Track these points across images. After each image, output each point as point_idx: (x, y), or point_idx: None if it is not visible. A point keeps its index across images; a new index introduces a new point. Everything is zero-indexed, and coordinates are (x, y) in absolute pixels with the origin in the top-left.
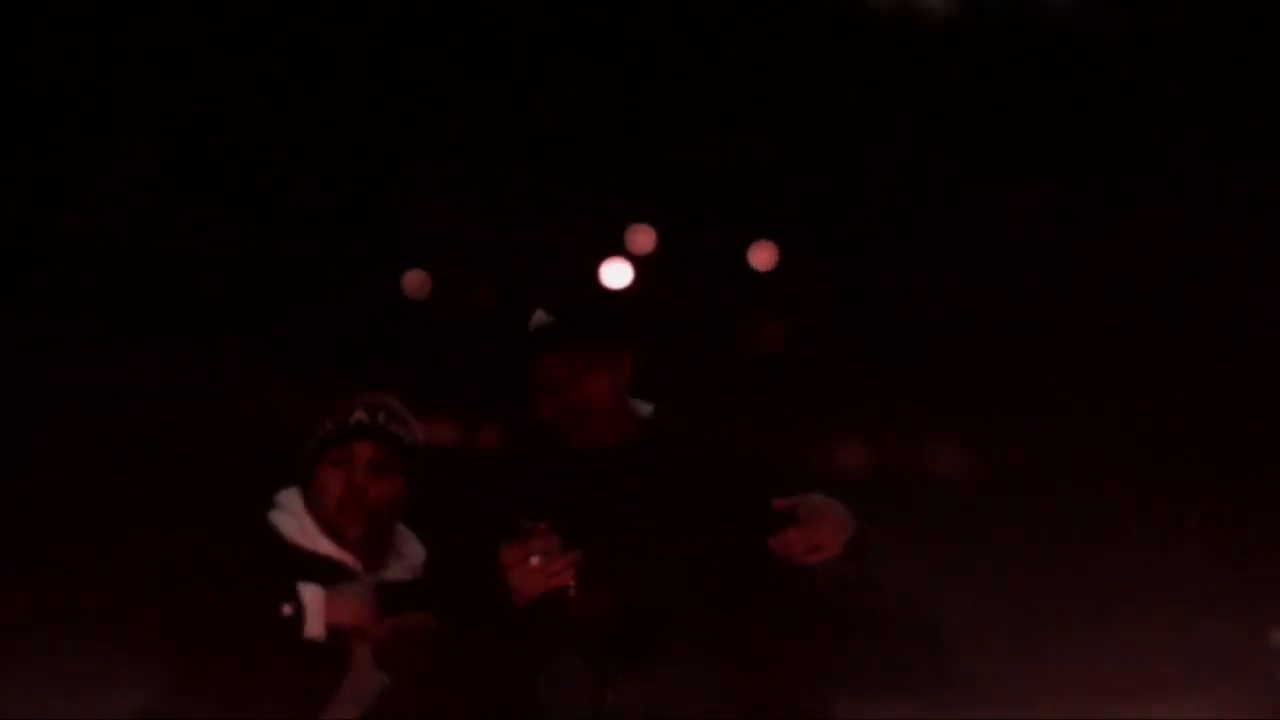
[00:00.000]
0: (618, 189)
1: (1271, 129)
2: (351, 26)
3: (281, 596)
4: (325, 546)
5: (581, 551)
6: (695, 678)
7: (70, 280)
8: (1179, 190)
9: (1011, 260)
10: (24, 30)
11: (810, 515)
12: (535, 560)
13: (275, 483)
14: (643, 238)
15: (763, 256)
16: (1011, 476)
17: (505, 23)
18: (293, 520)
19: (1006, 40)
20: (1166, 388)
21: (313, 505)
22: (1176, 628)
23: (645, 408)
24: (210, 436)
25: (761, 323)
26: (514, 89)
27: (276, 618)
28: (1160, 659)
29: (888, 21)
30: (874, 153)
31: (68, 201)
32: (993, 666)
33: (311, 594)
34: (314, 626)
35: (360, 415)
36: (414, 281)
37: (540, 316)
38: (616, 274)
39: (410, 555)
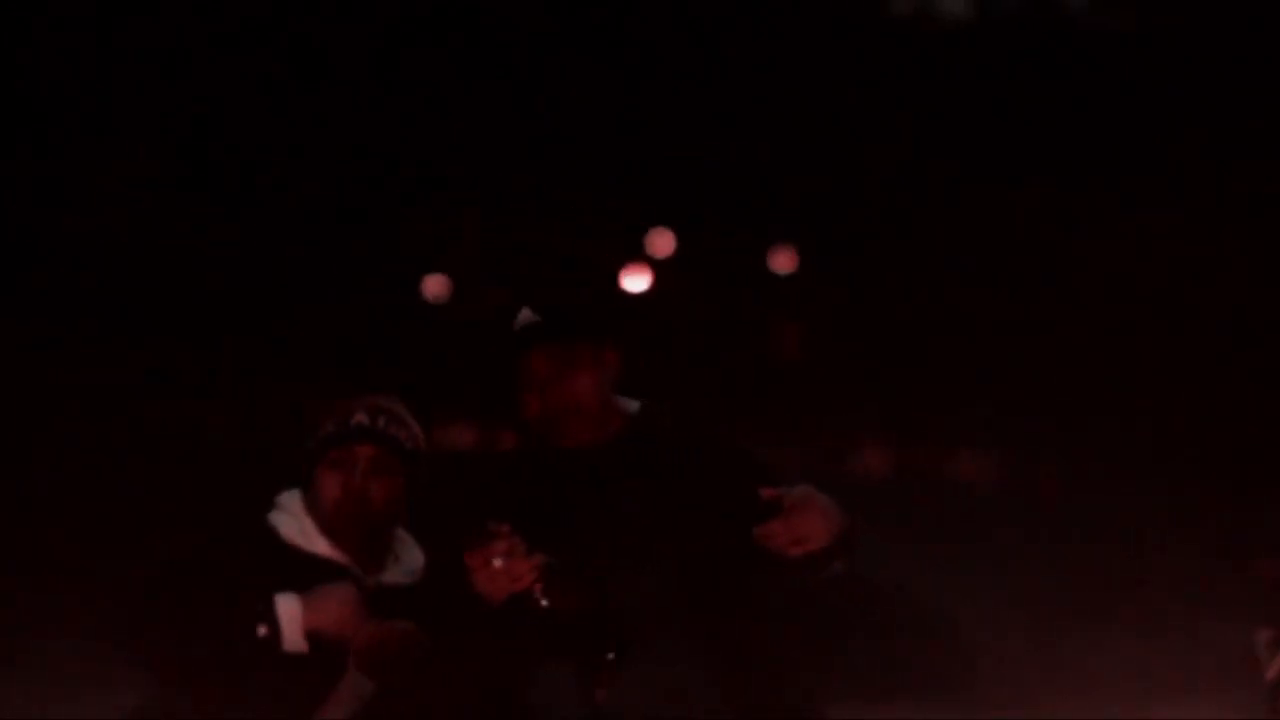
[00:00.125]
0: (637, 193)
1: (1271, 129)
2: (351, 26)
3: (260, 612)
4: (323, 548)
5: (567, 553)
6: (686, 676)
7: (70, 280)
8: (1179, 190)
9: (1014, 261)
10: (24, 30)
11: (795, 507)
12: (498, 562)
13: (274, 483)
14: (662, 241)
15: (783, 260)
16: (1015, 479)
17: (527, 26)
18: (292, 521)
19: (1007, 42)
20: (1171, 389)
21: (312, 507)
22: (1180, 629)
23: (632, 404)
24: (210, 436)
25: (780, 326)
26: (535, 92)
27: (251, 638)
28: (1164, 660)
29: (900, 25)
30: (890, 155)
31: (68, 201)
32: (997, 667)
33: (287, 608)
34: (293, 641)
35: (361, 418)
36: (433, 286)
37: (526, 314)
38: (636, 280)
39: (409, 560)
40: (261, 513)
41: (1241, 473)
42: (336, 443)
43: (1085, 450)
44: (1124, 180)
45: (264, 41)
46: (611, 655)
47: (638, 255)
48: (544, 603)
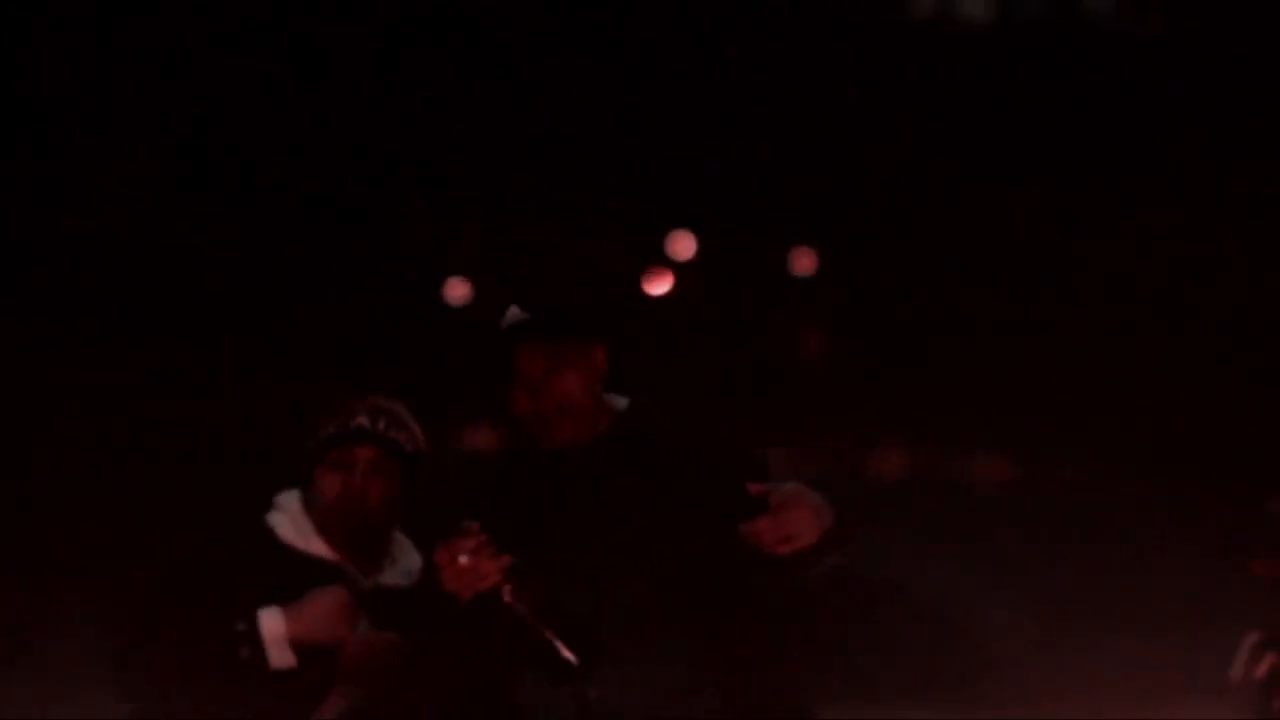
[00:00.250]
0: (659, 196)
1: (1271, 129)
2: (351, 26)
3: (243, 633)
4: (320, 549)
5: (558, 552)
6: (677, 675)
7: (70, 280)
8: (1182, 191)
9: (1020, 263)
10: (24, 30)
11: (783, 504)
12: (464, 559)
13: (275, 483)
14: (683, 244)
15: (802, 262)
16: (1022, 480)
17: (548, 29)
18: (289, 522)
19: (1025, 45)
20: (1173, 390)
21: (311, 507)
22: (1183, 630)
23: (620, 402)
24: (210, 436)
25: (795, 329)
26: (555, 95)
27: (234, 662)
28: (1166, 660)
29: (920, 29)
30: (906, 157)
31: (68, 201)
32: (1003, 666)
33: (270, 625)
34: (280, 658)
35: (362, 420)
36: (455, 289)
37: (514, 312)
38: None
39: (405, 562)
40: (260, 513)
41: (1243, 472)
42: (337, 444)
43: (1089, 451)
44: (1127, 180)
45: (264, 41)
46: (575, 660)
47: (658, 258)
48: (510, 604)
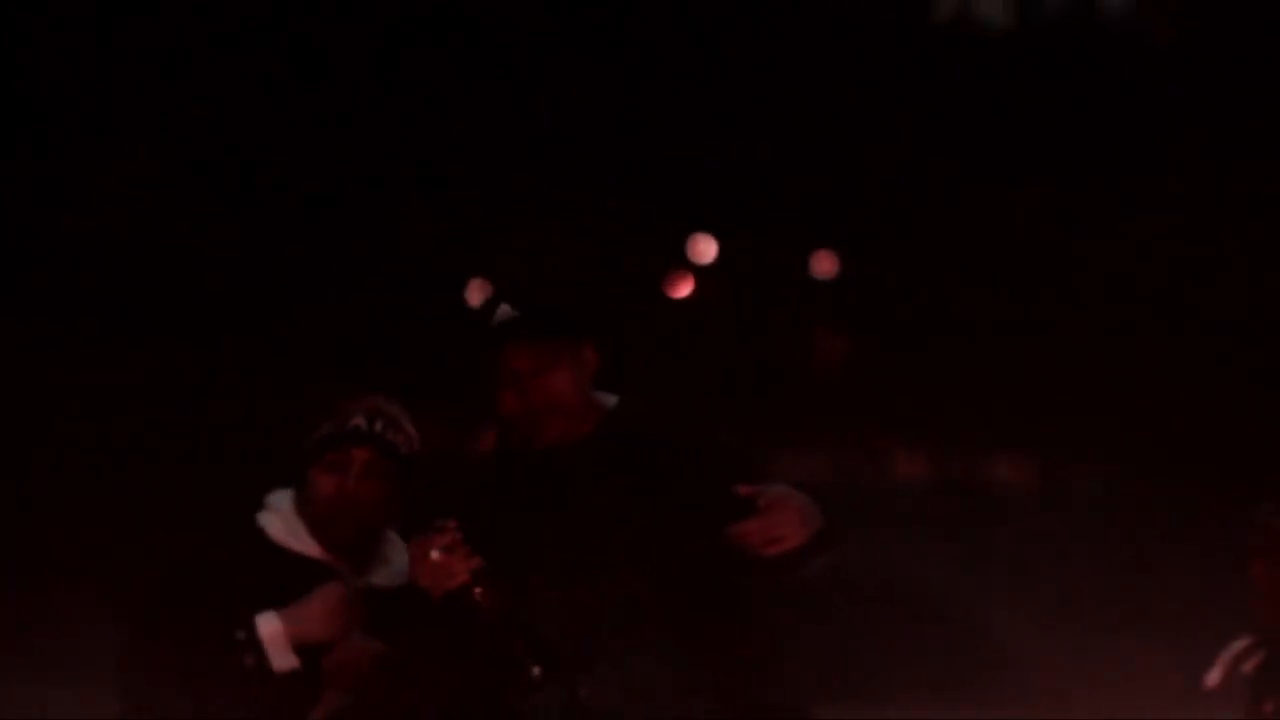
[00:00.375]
0: (680, 199)
1: (1271, 129)
2: (352, 26)
3: (244, 641)
4: (312, 549)
5: (548, 553)
6: (667, 674)
7: (70, 280)
8: (1206, 194)
9: (1043, 268)
10: (24, 30)
11: (771, 506)
12: (435, 555)
13: (274, 483)
14: (704, 247)
15: (824, 265)
16: (1042, 483)
17: (570, 31)
18: (280, 522)
19: (1045, 48)
20: (1196, 399)
21: (304, 507)
22: (1198, 633)
23: (609, 400)
24: (210, 436)
25: (817, 331)
26: (575, 101)
27: (237, 671)
28: (1186, 664)
29: (940, 33)
30: (928, 161)
31: (68, 201)
32: (1016, 667)
33: (269, 629)
34: (282, 661)
35: (359, 421)
36: (477, 291)
37: (504, 310)
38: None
39: (398, 562)
40: (251, 513)
41: (1248, 473)
42: (333, 445)
43: (1100, 453)
44: (1147, 181)
45: (264, 41)
46: (537, 671)
47: (680, 261)
48: (479, 606)
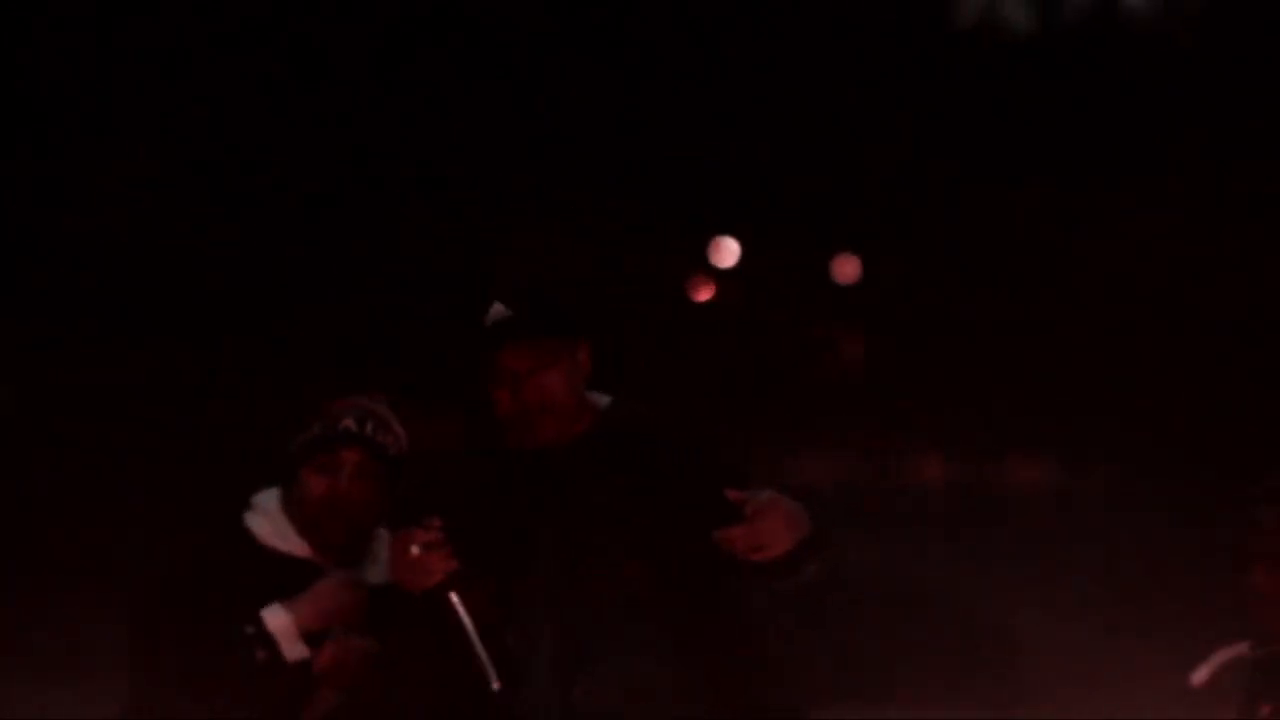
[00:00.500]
0: (702, 203)
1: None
2: (352, 26)
3: (254, 636)
4: (300, 549)
5: (540, 553)
6: (663, 675)
7: (70, 280)
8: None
9: (1066, 272)
10: (24, 30)
11: (757, 513)
12: (415, 550)
13: (274, 483)
14: (726, 251)
15: (846, 270)
16: (1063, 488)
17: (596, 36)
18: (267, 522)
19: (1069, 52)
20: (1215, 404)
21: (292, 508)
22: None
23: (603, 400)
24: (210, 436)
25: (843, 335)
26: (597, 104)
27: (252, 662)
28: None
29: (963, 38)
30: (952, 166)
31: (68, 201)
32: (1033, 670)
33: (276, 622)
34: (293, 650)
35: (349, 423)
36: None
37: (498, 309)
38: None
39: (387, 559)
40: (238, 513)
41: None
42: (323, 446)
43: (1120, 457)
44: (1173, 185)
45: (264, 41)
46: (497, 685)
47: (701, 265)
48: (454, 609)
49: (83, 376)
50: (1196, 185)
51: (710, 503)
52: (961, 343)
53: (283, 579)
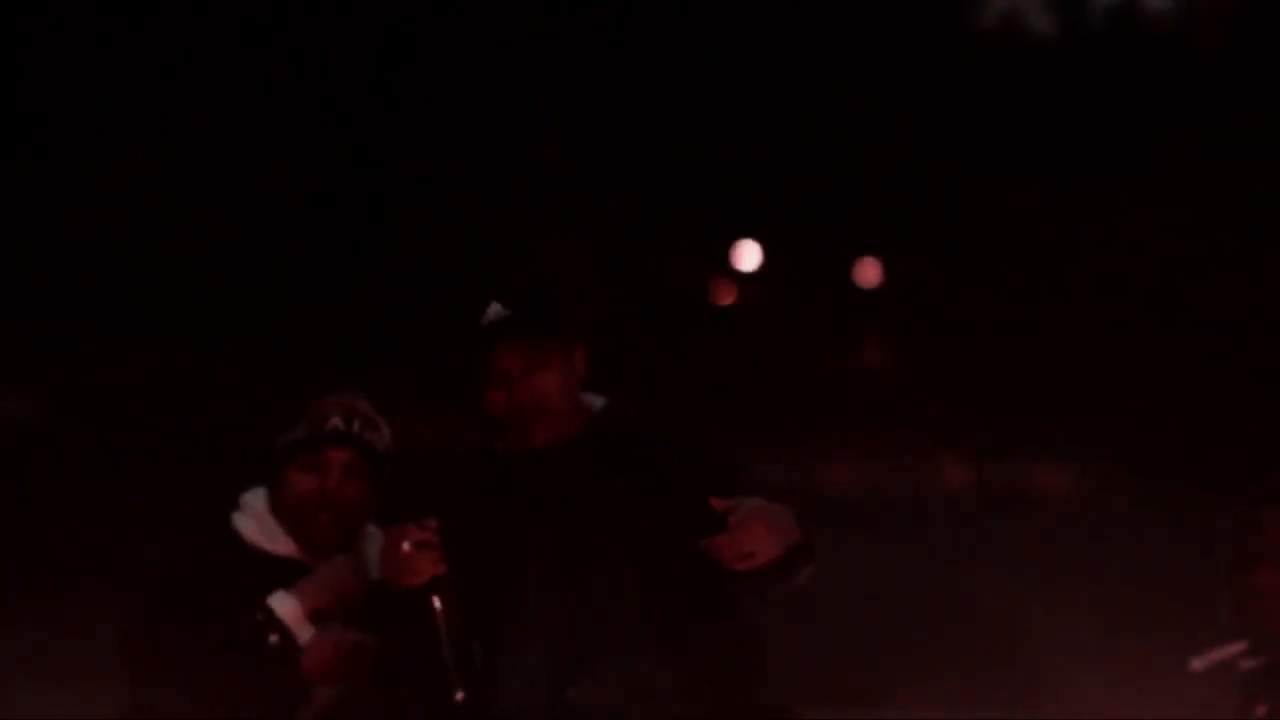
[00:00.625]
0: (725, 207)
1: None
2: (353, 26)
3: (264, 623)
4: (288, 548)
5: (533, 555)
6: (654, 676)
7: (70, 280)
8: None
9: (1077, 275)
10: (24, 30)
11: (740, 523)
12: (406, 546)
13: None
14: (748, 255)
15: (868, 274)
16: (1092, 492)
17: (624, 40)
18: (253, 522)
19: (1092, 57)
20: (1242, 410)
21: (278, 507)
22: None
23: (597, 402)
24: (210, 436)
25: (865, 339)
26: (620, 108)
27: (266, 651)
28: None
29: (987, 41)
30: (976, 171)
31: (68, 201)
32: (1060, 675)
33: (284, 609)
34: (305, 633)
35: (337, 422)
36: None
37: (496, 309)
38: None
39: (378, 555)
40: (226, 513)
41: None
42: (310, 446)
43: (1161, 464)
44: (1205, 190)
45: (264, 41)
46: (460, 695)
47: (723, 269)
48: (433, 613)
49: (83, 376)
50: (1249, 189)
51: (703, 504)
52: (981, 346)
53: (270, 579)
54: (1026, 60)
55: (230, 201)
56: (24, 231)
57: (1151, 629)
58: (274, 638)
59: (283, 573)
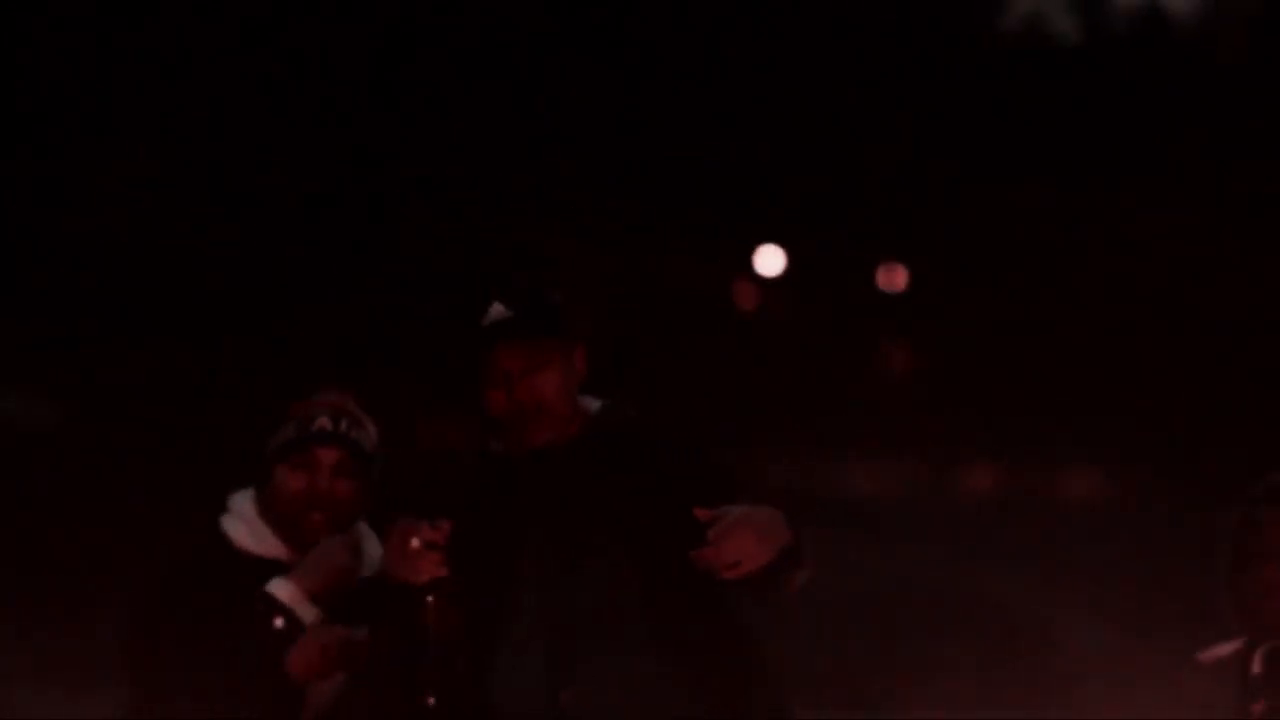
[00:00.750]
0: (748, 211)
1: None
2: (353, 26)
3: (266, 609)
4: (275, 549)
5: (531, 556)
6: (650, 678)
7: (70, 280)
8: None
9: (1105, 281)
10: (24, 30)
11: (724, 532)
12: (415, 543)
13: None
14: (772, 259)
15: (893, 279)
16: (1118, 496)
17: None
18: (242, 525)
19: (1117, 61)
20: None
21: (267, 508)
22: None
23: (595, 404)
24: (210, 436)
25: (889, 344)
26: (644, 112)
27: (270, 638)
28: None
29: (1010, 44)
30: (1002, 176)
31: (68, 201)
32: (1085, 678)
33: (285, 592)
34: (307, 613)
35: (324, 422)
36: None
37: (498, 309)
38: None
39: (370, 551)
40: (215, 516)
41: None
42: (299, 447)
43: (1187, 468)
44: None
45: (264, 41)
46: (433, 700)
47: (747, 273)
48: (426, 614)
49: (83, 376)
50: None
51: (698, 505)
52: (1004, 350)
53: (259, 582)
54: (1049, 63)
55: (230, 201)
56: (24, 231)
57: (1175, 632)
58: (279, 621)
59: (272, 575)
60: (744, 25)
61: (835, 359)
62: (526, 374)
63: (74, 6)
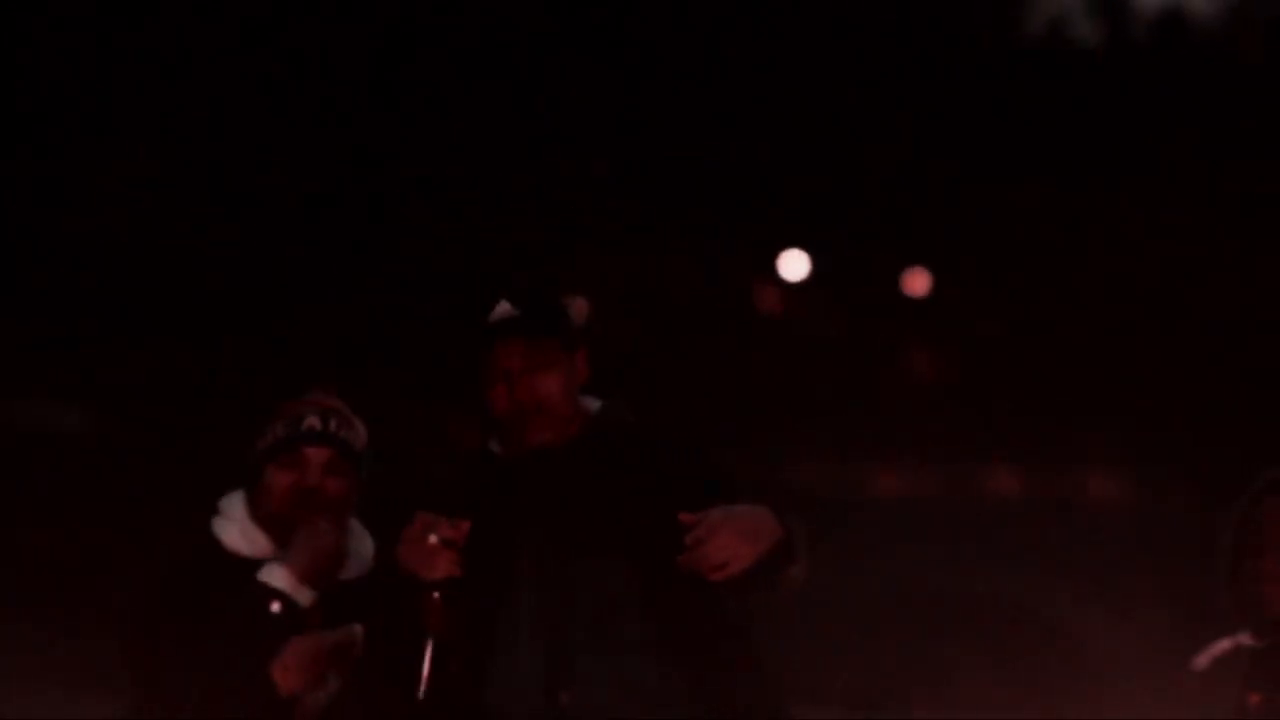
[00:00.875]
0: (773, 215)
1: None
2: (353, 26)
3: (262, 595)
4: (266, 550)
5: (530, 556)
6: (648, 678)
7: (70, 280)
8: None
9: (1133, 286)
10: (24, 30)
11: (708, 534)
12: (433, 539)
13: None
14: (796, 263)
15: (916, 283)
16: (1139, 500)
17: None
18: (232, 527)
19: (1139, 65)
20: None
21: (258, 509)
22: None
23: (594, 404)
24: (210, 436)
25: (914, 348)
26: (673, 115)
27: (267, 623)
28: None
29: (1034, 48)
30: (1023, 181)
31: (68, 201)
32: (1108, 681)
33: (278, 576)
34: (303, 596)
35: (313, 421)
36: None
37: (504, 308)
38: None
39: (362, 550)
40: (207, 518)
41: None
42: (288, 447)
43: (1213, 470)
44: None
45: (264, 41)
46: (423, 691)
47: (771, 277)
48: (428, 612)
49: (83, 376)
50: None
51: (696, 506)
52: (1030, 354)
53: (249, 584)
54: (1071, 67)
55: (230, 201)
56: (24, 231)
57: (1198, 635)
58: (275, 605)
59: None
60: (773, 27)
61: (859, 363)
62: (527, 373)
63: (74, 6)
